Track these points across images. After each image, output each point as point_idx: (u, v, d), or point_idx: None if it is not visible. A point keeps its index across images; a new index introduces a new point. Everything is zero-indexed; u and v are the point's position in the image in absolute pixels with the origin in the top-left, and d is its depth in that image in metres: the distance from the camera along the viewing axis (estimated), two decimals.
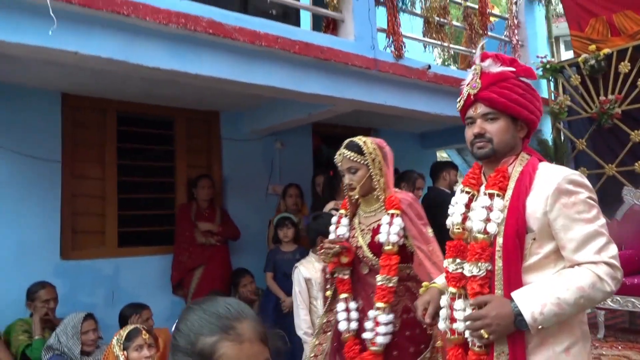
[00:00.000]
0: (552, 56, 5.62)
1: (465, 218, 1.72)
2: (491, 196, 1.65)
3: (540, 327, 1.50)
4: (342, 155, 2.46)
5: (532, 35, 5.68)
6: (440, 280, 1.97)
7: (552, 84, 5.52)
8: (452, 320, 1.72)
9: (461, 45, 5.35)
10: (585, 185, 1.59)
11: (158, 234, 4.82)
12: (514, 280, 1.56)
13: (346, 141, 2.50)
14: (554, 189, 1.55)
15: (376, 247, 2.40)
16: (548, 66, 5.35)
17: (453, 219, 1.76)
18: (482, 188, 1.73)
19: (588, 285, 1.49)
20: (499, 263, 1.59)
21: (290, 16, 4.21)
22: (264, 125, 4.99)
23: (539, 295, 1.50)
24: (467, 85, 1.73)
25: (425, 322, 1.89)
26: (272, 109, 4.81)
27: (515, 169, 1.68)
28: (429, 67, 4.38)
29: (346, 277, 2.52)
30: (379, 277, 2.35)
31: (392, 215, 2.37)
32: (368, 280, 2.45)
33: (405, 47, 4.27)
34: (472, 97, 1.69)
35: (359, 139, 2.48)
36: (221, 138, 5.13)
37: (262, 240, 4.84)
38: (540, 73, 5.41)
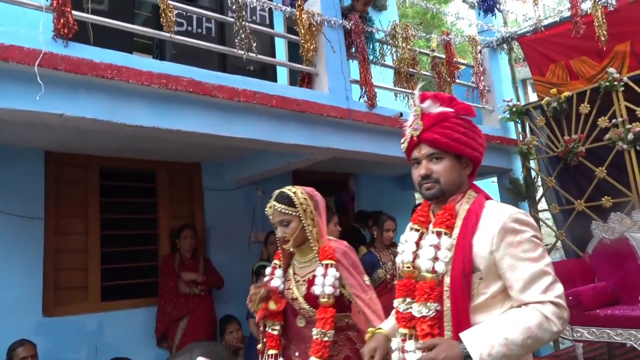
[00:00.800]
0: (517, 99, 5.91)
1: (415, 256, 1.70)
2: (439, 234, 1.64)
3: None
4: (273, 208, 2.38)
5: (498, 80, 5.99)
6: (386, 326, 1.95)
7: (519, 126, 5.79)
8: None
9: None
10: (531, 224, 1.59)
11: (142, 287, 4.83)
12: (462, 320, 1.55)
13: (276, 192, 2.44)
14: (500, 228, 1.55)
15: (312, 299, 2.34)
16: (514, 109, 5.63)
17: (403, 257, 1.74)
18: (431, 226, 1.72)
19: (535, 326, 1.47)
20: (447, 303, 1.57)
21: (268, 72, 4.41)
22: (244, 174, 5.12)
23: (487, 336, 1.48)
24: (410, 127, 1.73)
25: None
26: (252, 159, 4.96)
27: (462, 207, 1.68)
28: (401, 114, 4.59)
29: (275, 332, 2.46)
30: (314, 331, 2.28)
31: (327, 266, 2.32)
32: (305, 333, 2.37)
33: (376, 97, 4.49)
34: (415, 138, 1.69)
35: (289, 190, 2.43)
36: (203, 188, 5.24)
37: (246, 288, 4.85)
38: (507, 116, 5.68)
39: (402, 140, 1.78)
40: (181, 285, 4.58)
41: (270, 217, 2.42)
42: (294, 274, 2.48)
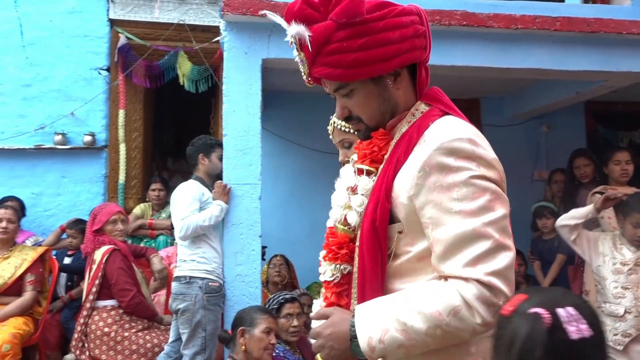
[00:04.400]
0: None
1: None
2: (360, 172, 1.22)
3: (380, 359, 1.08)
4: (333, 126, 1.93)
5: None
6: None
7: None
8: None
9: None
10: (477, 156, 1.07)
11: None
12: (370, 287, 1.14)
13: None
14: (423, 163, 1.07)
15: None
16: None
17: (335, 199, 1.29)
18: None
19: (448, 312, 1.01)
20: (357, 264, 1.20)
21: None
22: (527, 108, 4.84)
23: (383, 315, 1.07)
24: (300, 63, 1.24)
25: None
26: (535, 91, 4.64)
27: (400, 131, 1.20)
28: None
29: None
30: None
31: None
32: None
33: None
34: (309, 78, 1.24)
35: None
36: (482, 125, 5.16)
37: (526, 228, 4.72)
38: None
39: None
40: None
41: (330, 136, 1.99)
42: None
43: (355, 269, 1.20)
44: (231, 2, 3.16)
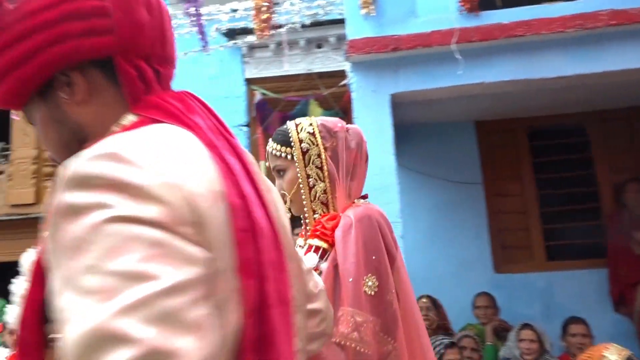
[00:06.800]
0: None
1: None
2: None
3: None
4: (268, 150, 1.49)
5: None
6: None
7: None
8: None
9: None
10: (122, 183, 0.59)
11: (588, 247, 4.59)
12: None
13: None
14: (52, 210, 0.62)
15: None
16: None
17: None
18: None
19: None
20: None
21: None
22: None
23: None
24: None
25: None
26: None
27: None
28: None
29: None
30: None
31: (310, 248, 1.34)
32: None
33: None
34: None
35: (295, 121, 1.47)
36: None
37: None
38: None
39: None
40: (634, 246, 4.11)
41: (267, 163, 1.56)
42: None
43: None
44: (355, 43, 3.19)
